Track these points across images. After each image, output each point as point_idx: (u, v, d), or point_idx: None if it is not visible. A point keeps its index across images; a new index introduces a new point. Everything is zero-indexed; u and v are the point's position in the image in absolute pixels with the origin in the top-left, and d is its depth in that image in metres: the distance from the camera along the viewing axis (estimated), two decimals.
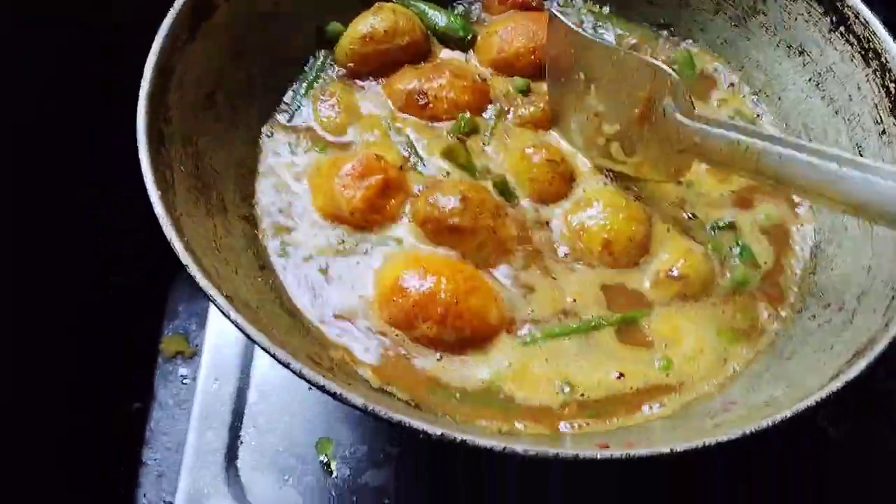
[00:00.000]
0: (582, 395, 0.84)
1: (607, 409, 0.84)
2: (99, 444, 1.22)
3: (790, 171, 0.77)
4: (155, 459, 1.21)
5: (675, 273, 0.90)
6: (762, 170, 0.79)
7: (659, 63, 0.86)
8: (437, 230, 0.89)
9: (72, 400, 1.26)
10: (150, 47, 0.84)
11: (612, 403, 0.84)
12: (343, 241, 0.91)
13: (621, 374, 0.85)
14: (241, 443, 0.98)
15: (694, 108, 0.85)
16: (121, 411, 1.33)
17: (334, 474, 0.97)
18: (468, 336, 0.84)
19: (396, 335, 0.85)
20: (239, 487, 0.96)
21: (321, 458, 0.98)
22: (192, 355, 1.34)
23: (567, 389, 0.84)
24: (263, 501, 0.95)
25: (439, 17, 1.08)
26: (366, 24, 1.02)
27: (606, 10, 1.14)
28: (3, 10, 1.06)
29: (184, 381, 1.31)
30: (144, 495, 1.16)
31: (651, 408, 0.84)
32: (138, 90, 0.82)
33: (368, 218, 0.91)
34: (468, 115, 0.99)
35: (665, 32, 1.12)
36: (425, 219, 0.89)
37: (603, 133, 0.94)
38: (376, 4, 1.05)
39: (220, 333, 1.07)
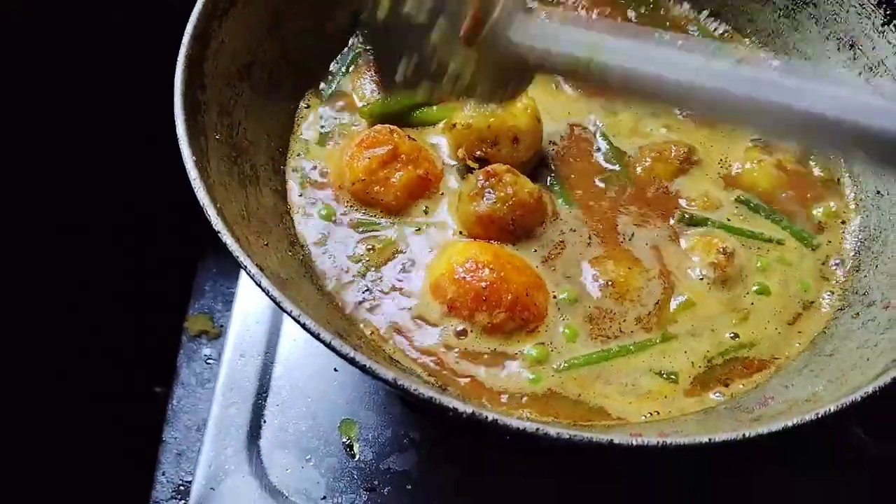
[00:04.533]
0: None
1: None
2: (119, 421, 1.23)
3: (638, 84, 0.67)
4: (175, 438, 1.21)
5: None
6: (611, 82, 0.69)
7: None
8: (493, 229, 0.88)
9: (93, 377, 1.26)
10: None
11: None
12: (371, 222, 0.90)
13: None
14: (265, 421, 0.96)
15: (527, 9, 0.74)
16: (143, 389, 1.34)
17: (357, 457, 0.95)
18: (527, 327, 0.84)
19: (445, 320, 0.84)
20: (260, 466, 0.94)
21: (344, 440, 0.96)
22: (216, 336, 1.34)
23: None
24: (284, 481, 0.93)
25: None
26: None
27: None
28: None
29: (207, 361, 1.31)
30: (163, 473, 1.15)
31: None
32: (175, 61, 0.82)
33: (370, 191, 0.89)
34: None
35: (712, 21, 1.10)
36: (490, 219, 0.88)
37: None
38: None
39: (246, 310, 1.06)
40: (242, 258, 0.69)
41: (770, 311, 0.87)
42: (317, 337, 0.66)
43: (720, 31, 1.09)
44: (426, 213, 0.91)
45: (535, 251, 0.89)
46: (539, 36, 0.71)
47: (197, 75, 0.82)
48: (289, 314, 0.67)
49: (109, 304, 1.30)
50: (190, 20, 0.82)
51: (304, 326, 0.66)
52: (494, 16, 0.71)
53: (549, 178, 0.94)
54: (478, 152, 0.90)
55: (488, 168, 0.88)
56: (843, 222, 0.95)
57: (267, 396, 0.98)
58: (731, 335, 0.85)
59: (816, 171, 0.98)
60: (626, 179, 0.95)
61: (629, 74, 0.67)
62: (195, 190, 0.72)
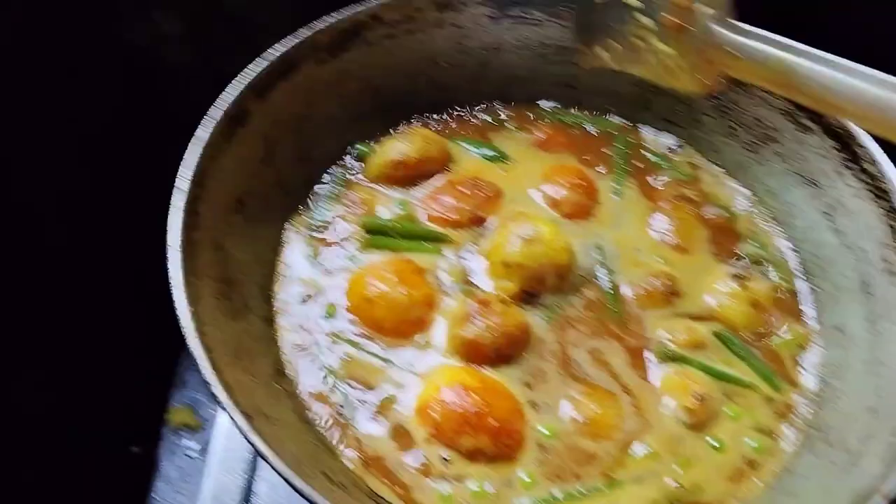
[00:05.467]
0: None
1: None
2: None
3: (827, 92, 0.79)
4: None
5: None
6: (799, 88, 0.82)
7: None
8: (476, 353, 0.92)
9: (74, 464, 1.26)
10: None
11: None
12: (369, 349, 0.93)
13: None
14: None
15: (732, 20, 0.86)
16: (124, 480, 1.34)
17: None
18: (510, 454, 0.87)
19: (429, 446, 0.87)
20: None
21: None
22: (198, 428, 1.35)
23: None
24: None
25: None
26: (396, 151, 1.05)
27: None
28: (40, 95, 1.08)
29: (188, 455, 1.32)
30: None
31: None
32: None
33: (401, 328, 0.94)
34: None
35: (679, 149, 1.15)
36: (475, 344, 0.92)
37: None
38: (408, 130, 1.10)
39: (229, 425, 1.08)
40: (232, 411, 0.72)
41: (714, 466, 0.89)
42: (309, 500, 0.69)
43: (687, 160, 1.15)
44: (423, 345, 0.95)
45: (516, 376, 0.92)
46: (737, 39, 0.84)
47: (192, 217, 0.85)
48: (279, 473, 0.69)
49: (88, 391, 1.30)
50: (183, 164, 0.86)
51: (294, 488, 0.69)
52: (703, 11, 0.86)
53: (538, 303, 0.98)
54: (528, 289, 0.97)
55: (482, 297, 0.94)
56: (802, 347, 0.99)
57: None
58: (675, 484, 0.87)
59: (785, 302, 1.02)
60: (615, 312, 0.99)
61: (811, 76, 0.79)
62: (189, 344, 0.75)
